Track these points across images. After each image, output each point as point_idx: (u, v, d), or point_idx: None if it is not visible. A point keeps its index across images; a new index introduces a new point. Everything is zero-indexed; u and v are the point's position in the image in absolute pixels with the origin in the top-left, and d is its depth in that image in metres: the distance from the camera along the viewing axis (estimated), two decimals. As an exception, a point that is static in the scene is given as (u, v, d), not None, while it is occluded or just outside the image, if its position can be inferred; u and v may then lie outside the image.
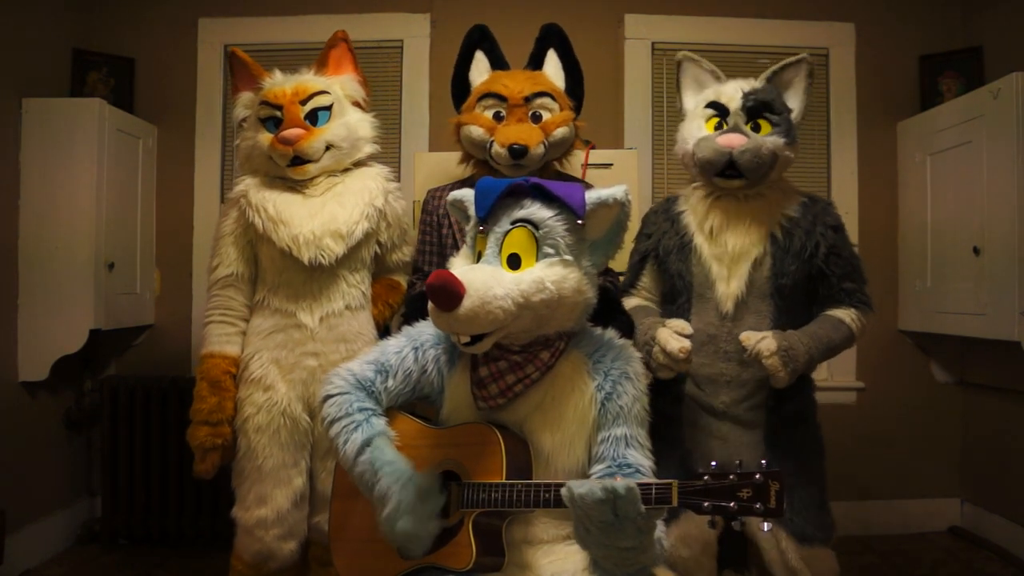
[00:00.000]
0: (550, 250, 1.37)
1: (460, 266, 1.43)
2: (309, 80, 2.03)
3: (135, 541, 2.90)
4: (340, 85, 2.08)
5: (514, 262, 1.37)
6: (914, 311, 3.10)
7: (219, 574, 2.45)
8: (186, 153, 3.14)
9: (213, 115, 3.15)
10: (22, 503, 2.63)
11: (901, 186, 3.18)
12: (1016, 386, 2.85)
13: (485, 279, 1.30)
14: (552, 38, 2.11)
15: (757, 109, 1.84)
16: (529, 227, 1.37)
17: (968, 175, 2.74)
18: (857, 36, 3.18)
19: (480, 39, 2.14)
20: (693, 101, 2.00)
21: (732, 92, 1.87)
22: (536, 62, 2.11)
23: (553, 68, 2.10)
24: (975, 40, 3.09)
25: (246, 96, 2.09)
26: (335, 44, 2.13)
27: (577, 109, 2.07)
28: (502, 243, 1.38)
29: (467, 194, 1.51)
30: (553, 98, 1.99)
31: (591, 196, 1.38)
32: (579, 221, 1.37)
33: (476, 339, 1.34)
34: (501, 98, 1.97)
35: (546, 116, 1.96)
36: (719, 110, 1.88)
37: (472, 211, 1.47)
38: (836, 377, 3.14)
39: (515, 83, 1.98)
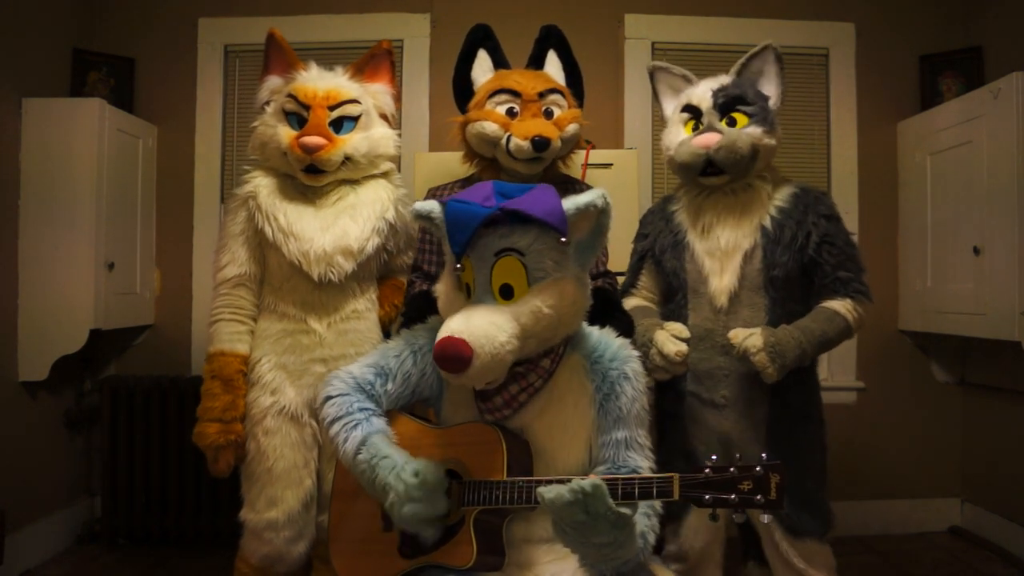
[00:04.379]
0: (540, 273, 1.35)
1: (449, 301, 1.41)
2: (343, 85, 1.99)
3: (135, 541, 2.90)
4: (373, 96, 2.06)
5: (506, 292, 1.35)
6: (914, 311, 3.09)
7: (219, 573, 2.45)
8: (186, 153, 3.14)
9: (213, 115, 3.14)
10: (22, 503, 2.63)
11: (901, 186, 3.18)
12: (1016, 386, 2.85)
13: (486, 330, 1.27)
14: (552, 39, 2.12)
15: (729, 104, 1.86)
16: (514, 255, 1.34)
17: (968, 175, 2.74)
18: (857, 36, 3.18)
19: (483, 38, 2.13)
20: (670, 107, 2.04)
21: (702, 93, 1.91)
22: (537, 63, 2.12)
23: (554, 68, 2.11)
24: (975, 40, 3.10)
25: (274, 80, 2.04)
26: (378, 54, 2.08)
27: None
28: (490, 276, 1.35)
29: (434, 209, 1.45)
30: (563, 95, 2.01)
31: (569, 207, 1.34)
32: (563, 239, 1.33)
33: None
34: (515, 94, 1.96)
35: (557, 112, 1.97)
36: (693, 112, 1.92)
37: (444, 230, 1.42)
38: (836, 377, 3.14)
39: (527, 80, 1.98)
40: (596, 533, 1.18)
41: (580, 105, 2.10)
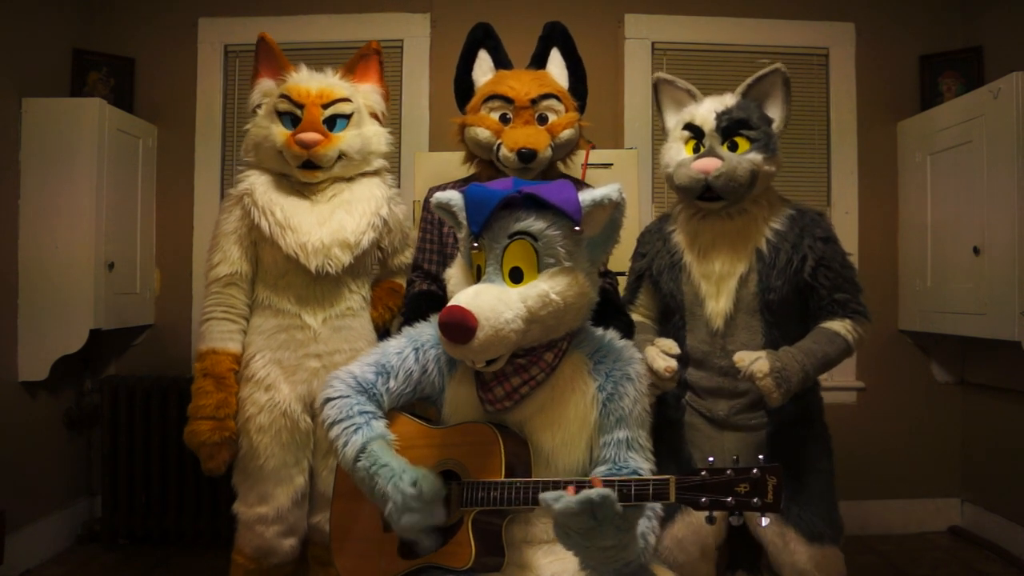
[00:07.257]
0: (550, 260, 1.37)
1: (460, 283, 1.42)
2: (335, 84, 2.03)
3: (135, 541, 2.90)
4: (363, 95, 2.09)
5: (516, 275, 1.37)
6: (914, 311, 3.09)
7: (219, 573, 2.45)
8: (186, 153, 3.14)
9: (213, 115, 3.14)
10: (22, 503, 2.63)
11: (901, 186, 3.18)
12: (1016, 386, 2.85)
13: (493, 305, 1.29)
14: (556, 36, 2.10)
15: (732, 128, 1.82)
16: (528, 239, 1.36)
17: (968, 175, 2.74)
18: (857, 36, 3.18)
19: (484, 37, 2.12)
20: (673, 121, 1.99)
21: (706, 114, 1.85)
22: (539, 61, 2.10)
23: (557, 67, 2.10)
24: (975, 40, 3.10)
25: (266, 83, 2.07)
26: (367, 54, 2.12)
27: (581, 108, 2.07)
28: (502, 258, 1.37)
29: (453, 198, 1.49)
30: (559, 99, 1.98)
31: (585, 198, 1.37)
32: (576, 228, 1.36)
33: (491, 360, 1.35)
34: (507, 100, 1.96)
35: (552, 117, 1.96)
36: (695, 132, 1.87)
37: (462, 218, 1.46)
38: (836, 377, 3.14)
39: (521, 85, 1.97)
40: (602, 537, 1.17)
41: (583, 103, 2.09)
